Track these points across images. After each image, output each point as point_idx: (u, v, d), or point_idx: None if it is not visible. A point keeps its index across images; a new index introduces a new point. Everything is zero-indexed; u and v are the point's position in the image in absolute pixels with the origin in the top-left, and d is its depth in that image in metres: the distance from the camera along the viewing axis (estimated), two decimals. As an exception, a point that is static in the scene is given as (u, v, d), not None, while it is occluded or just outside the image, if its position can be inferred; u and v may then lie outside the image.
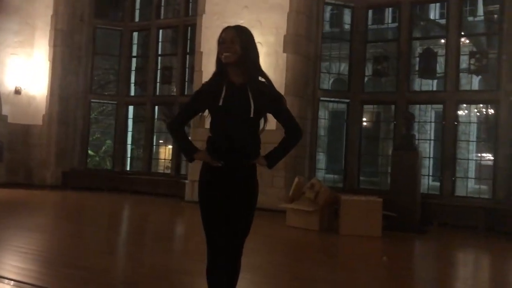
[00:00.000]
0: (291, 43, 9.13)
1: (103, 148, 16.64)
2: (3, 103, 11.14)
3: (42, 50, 11.52)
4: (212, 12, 9.84)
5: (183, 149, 2.70)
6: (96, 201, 10.03)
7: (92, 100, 12.72)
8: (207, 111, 2.59)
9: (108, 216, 8.61)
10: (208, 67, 9.82)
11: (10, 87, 11.26)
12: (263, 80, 2.57)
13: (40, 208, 8.75)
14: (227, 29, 2.56)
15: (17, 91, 11.35)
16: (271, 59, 9.14)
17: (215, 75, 2.57)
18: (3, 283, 3.72)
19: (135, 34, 12.76)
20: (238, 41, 2.49)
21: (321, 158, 12.57)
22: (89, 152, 13.41)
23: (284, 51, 9.11)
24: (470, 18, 14.78)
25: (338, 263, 5.66)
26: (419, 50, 12.14)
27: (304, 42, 9.36)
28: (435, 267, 5.76)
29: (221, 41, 2.52)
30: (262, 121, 2.59)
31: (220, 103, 2.46)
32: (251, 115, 2.47)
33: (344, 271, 5.06)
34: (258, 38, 10.34)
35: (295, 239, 6.75)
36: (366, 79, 10.54)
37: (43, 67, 11.48)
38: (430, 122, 14.12)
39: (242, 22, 9.32)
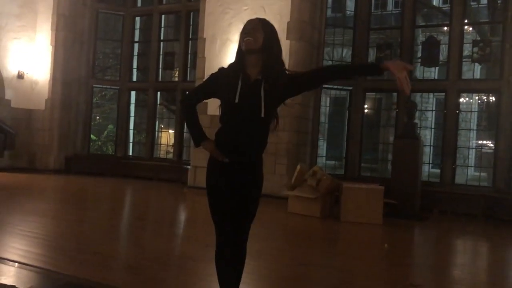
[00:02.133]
0: (294, 29, 9.12)
1: (105, 133, 16.68)
2: (6, 87, 11.15)
3: (44, 35, 11.50)
4: (215, -3, 9.80)
5: (192, 132, 2.65)
6: (99, 186, 10.12)
7: (94, 86, 12.72)
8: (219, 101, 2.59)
9: (111, 201, 8.70)
10: (210, 53, 9.84)
11: (13, 71, 11.26)
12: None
13: (44, 193, 8.83)
14: (251, 20, 2.56)
15: (20, 76, 11.36)
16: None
17: (233, 65, 2.56)
18: (13, 266, 3.81)
19: (137, 19, 12.72)
20: (260, 30, 2.49)
21: (322, 145, 12.63)
22: (91, 136, 13.46)
23: (287, 38, 9.09)
24: (474, 4, 14.65)
25: (340, 249, 5.76)
26: (421, 37, 12.10)
27: (307, 29, 9.35)
28: (434, 254, 5.86)
29: (244, 30, 2.51)
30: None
31: (236, 101, 2.45)
32: (262, 115, 2.46)
33: (345, 258, 5.16)
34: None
35: (297, 226, 6.85)
36: (369, 66, 10.52)
37: (46, 52, 11.48)
38: (432, 110, 14.10)
39: (245, 8, 9.32)
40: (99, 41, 13.13)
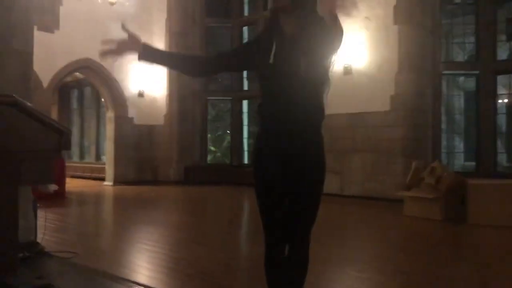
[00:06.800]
0: (402, 13, 8.25)
1: (225, 143, 17.13)
2: (129, 106, 12.01)
3: (159, 54, 12.13)
4: None
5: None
6: (216, 195, 10.24)
7: (208, 98, 13.07)
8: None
9: (227, 210, 8.66)
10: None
11: (134, 91, 12.06)
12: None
13: (163, 203, 9.16)
14: None
15: (140, 94, 12.13)
16: (381, 34, 8.42)
17: (265, 26, 2.19)
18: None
19: (245, 28, 12.80)
20: None
21: (457, 140, 11.28)
22: (211, 148, 13.86)
23: (395, 23, 8.28)
24: None
25: (465, 258, 4.83)
26: None
27: (417, 11, 8.38)
28: None
29: None
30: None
31: (271, 61, 2.03)
32: (301, 73, 1.99)
33: (473, 268, 4.26)
34: (365, 12, 9.40)
35: (413, 230, 6.01)
36: (498, 44, 9.07)
37: (162, 70, 12.10)
38: None
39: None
40: (210, 55, 13.45)
